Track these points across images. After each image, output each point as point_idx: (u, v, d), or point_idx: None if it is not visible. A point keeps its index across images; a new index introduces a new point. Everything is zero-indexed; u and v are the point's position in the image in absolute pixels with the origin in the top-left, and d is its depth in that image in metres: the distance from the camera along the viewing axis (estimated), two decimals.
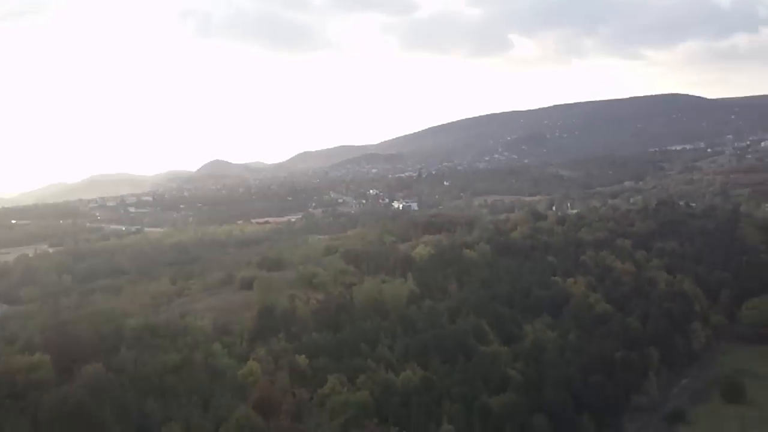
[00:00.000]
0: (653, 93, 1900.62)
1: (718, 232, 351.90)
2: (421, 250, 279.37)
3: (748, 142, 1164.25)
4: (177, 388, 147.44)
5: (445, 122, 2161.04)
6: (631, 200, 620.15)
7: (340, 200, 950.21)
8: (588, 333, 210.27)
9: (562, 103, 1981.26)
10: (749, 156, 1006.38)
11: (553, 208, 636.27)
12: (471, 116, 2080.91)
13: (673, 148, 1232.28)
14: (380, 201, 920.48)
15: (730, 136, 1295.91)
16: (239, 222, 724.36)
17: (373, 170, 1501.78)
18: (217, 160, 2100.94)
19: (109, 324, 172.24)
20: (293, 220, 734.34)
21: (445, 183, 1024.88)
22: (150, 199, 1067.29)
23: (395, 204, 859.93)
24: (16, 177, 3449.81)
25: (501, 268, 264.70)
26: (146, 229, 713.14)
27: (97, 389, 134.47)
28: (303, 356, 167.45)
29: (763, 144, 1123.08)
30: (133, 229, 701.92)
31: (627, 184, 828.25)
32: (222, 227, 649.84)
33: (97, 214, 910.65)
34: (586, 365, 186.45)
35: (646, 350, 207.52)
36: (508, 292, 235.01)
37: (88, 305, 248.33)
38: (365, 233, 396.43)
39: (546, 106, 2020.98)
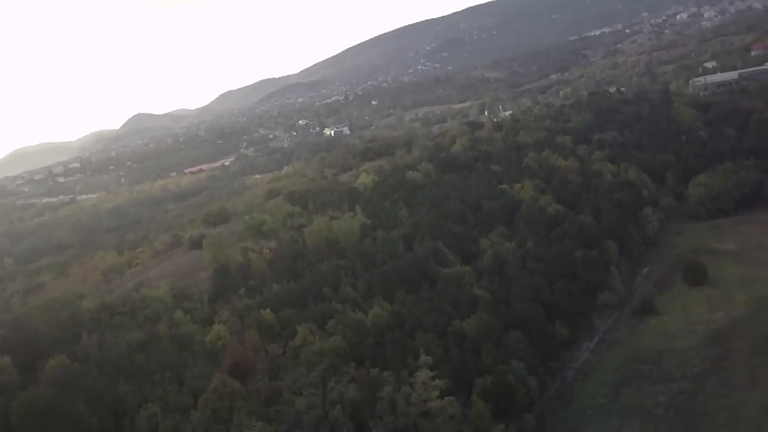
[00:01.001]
0: None
1: (654, 116, 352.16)
2: (365, 179, 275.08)
3: (664, 18, 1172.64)
4: (147, 366, 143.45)
5: (362, 40, 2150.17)
6: (561, 93, 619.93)
7: (271, 136, 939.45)
8: (544, 237, 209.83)
9: (476, 4, 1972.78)
10: (667, 31, 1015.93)
11: (486, 112, 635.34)
12: (387, 31, 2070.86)
13: (592, 33, 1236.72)
14: (311, 130, 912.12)
15: (645, 14, 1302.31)
16: (172, 174, 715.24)
17: (299, 100, 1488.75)
18: (140, 114, 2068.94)
19: (65, 311, 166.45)
20: (227, 163, 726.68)
21: (373, 102, 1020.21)
22: (78, 165, 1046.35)
23: (326, 131, 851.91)
24: None
25: (447, 186, 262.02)
26: (79, 197, 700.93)
27: (66, 383, 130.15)
28: (268, 310, 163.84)
29: (678, 17, 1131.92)
30: (66, 199, 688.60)
31: (553, 77, 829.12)
32: (156, 183, 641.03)
33: (26, 189, 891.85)
34: (549, 271, 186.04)
35: (604, 245, 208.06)
36: (459, 209, 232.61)
37: (37, 291, 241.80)
38: (304, 169, 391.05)
39: (460, 9, 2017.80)
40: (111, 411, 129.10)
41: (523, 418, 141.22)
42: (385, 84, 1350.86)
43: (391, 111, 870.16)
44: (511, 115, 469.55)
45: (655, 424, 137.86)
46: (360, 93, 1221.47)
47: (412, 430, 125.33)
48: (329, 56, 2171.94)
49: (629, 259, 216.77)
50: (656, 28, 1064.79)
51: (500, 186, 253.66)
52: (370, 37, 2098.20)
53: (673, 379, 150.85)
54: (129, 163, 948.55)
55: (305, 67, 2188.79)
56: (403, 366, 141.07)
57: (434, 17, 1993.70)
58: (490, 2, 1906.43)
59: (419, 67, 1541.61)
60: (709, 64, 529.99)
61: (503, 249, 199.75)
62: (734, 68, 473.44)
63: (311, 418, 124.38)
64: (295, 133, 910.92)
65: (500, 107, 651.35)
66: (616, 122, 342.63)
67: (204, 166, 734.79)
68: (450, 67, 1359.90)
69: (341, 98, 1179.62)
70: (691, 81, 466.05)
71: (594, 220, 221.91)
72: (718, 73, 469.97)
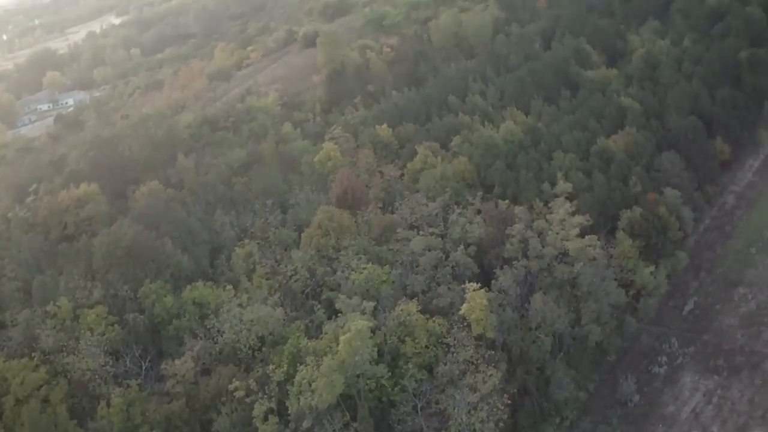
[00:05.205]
0: None
1: None
2: None
3: None
4: (247, 192, 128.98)
5: None
6: None
7: None
8: (704, 34, 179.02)
9: None
10: None
11: None
12: None
13: None
14: None
15: None
16: None
17: None
18: None
19: (161, 129, 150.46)
20: None
21: None
22: None
23: None
24: None
25: None
26: None
27: (154, 217, 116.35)
28: (384, 126, 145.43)
29: None
30: None
31: None
32: None
33: None
34: (710, 76, 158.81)
35: None
36: (605, 0, 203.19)
37: (156, 89, 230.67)
38: None
39: None
40: (205, 247, 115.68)
41: (675, 256, 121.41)
42: None
43: None
44: None
45: None
46: None
47: (546, 276, 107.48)
48: None
49: None
50: None
51: None
52: None
53: None
54: None
55: None
56: (537, 194, 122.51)
57: None
58: None
59: None
60: None
61: (656, 48, 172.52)
62: None
63: (429, 260, 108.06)
64: None
65: None
66: None
67: None
68: None
69: None
70: None
71: (763, 13, 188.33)
72: None
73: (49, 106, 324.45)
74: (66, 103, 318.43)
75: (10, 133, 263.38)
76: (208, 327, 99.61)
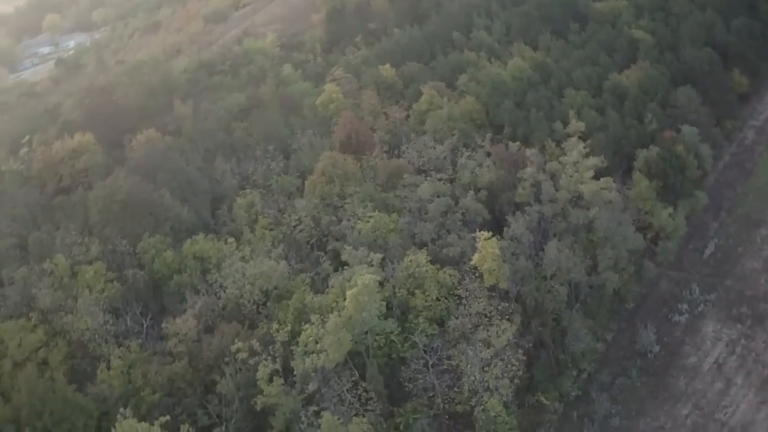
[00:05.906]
0: None
1: None
2: None
3: None
4: (248, 138, 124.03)
5: None
6: None
7: None
8: None
9: None
10: None
11: None
12: None
13: None
14: None
15: None
16: None
17: None
18: None
19: (156, 75, 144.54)
20: None
21: None
22: None
23: None
24: None
25: None
26: None
27: (152, 168, 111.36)
28: (387, 65, 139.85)
29: None
30: None
31: None
32: None
33: None
34: (724, 4, 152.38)
35: None
36: None
37: (154, 31, 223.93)
38: None
39: None
40: (205, 197, 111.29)
41: (694, 196, 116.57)
42: None
43: None
44: None
45: None
46: None
47: (560, 222, 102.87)
48: None
49: None
50: None
51: None
52: None
53: None
54: None
55: None
56: (549, 134, 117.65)
57: None
58: None
59: None
60: None
61: None
62: None
63: (438, 206, 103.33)
64: None
65: None
66: None
67: None
68: None
69: None
70: None
71: None
72: None
73: (50, 49, 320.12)
74: (67, 45, 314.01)
75: (11, 77, 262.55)
76: (210, 282, 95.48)
